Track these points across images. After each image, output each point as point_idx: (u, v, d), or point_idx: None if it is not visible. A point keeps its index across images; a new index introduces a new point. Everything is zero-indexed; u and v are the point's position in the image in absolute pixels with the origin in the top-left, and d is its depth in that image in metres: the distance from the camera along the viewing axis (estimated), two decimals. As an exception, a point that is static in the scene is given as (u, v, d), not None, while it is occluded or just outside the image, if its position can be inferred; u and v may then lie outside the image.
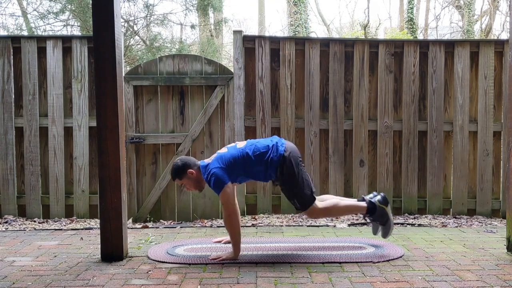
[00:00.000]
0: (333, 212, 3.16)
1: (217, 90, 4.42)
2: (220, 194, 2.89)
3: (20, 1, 10.67)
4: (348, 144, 4.55)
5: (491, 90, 4.52)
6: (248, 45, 4.50)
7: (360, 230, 3.86)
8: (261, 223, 4.19)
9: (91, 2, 3.89)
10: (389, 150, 4.52)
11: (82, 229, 3.95)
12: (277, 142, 2.99)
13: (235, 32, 4.50)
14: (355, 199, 3.28)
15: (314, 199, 3.01)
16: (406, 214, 4.52)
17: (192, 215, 4.47)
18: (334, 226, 4.05)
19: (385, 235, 3.13)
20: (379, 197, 3.11)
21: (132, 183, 4.41)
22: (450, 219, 4.39)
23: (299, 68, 4.53)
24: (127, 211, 3.30)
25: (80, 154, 4.41)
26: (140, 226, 4.18)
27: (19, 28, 10.00)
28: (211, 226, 4.12)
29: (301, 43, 4.53)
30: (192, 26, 10.42)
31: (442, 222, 4.23)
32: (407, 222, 4.17)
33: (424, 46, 4.57)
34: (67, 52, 4.45)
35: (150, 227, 4.07)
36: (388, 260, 2.90)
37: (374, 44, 4.57)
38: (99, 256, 3.01)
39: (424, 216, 4.49)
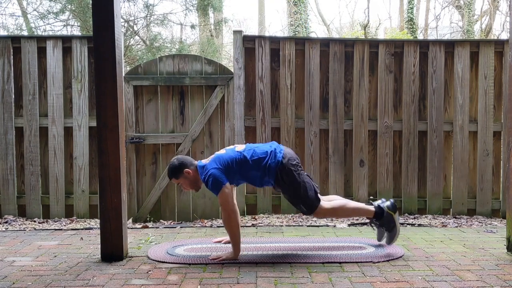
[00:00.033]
0: (340, 213, 3.16)
1: (217, 90, 4.42)
2: (218, 195, 2.88)
3: (20, 1, 10.67)
4: (348, 144, 4.55)
5: (491, 90, 4.52)
6: (248, 45, 4.50)
7: (360, 230, 3.86)
8: (261, 223, 4.19)
9: (91, 2, 3.89)
10: (389, 150, 4.52)
11: (82, 229, 3.96)
12: (275, 149, 2.99)
13: (235, 32, 4.50)
14: (363, 203, 3.28)
15: (319, 199, 3.01)
16: (406, 214, 4.52)
17: (192, 215, 4.48)
18: (334, 226, 4.05)
19: (390, 241, 3.13)
20: (388, 203, 3.12)
21: (132, 183, 4.41)
22: (450, 219, 4.39)
23: (299, 68, 4.53)
24: (127, 211, 3.30)
25: (80, 154, 4.42)
26: (140, 226, 4.18)
27: (19, 28, 10.00)
28: (211, 226, 4.12)
29: (301, 43, 4.53)
30: (192, 26, 10.42)
31: (442, 222, 4.23)
32: (407, 222, 4.17)
33: (424, 46, 4.57)
34: (67, 52, 4.45)
35: (150, 227, 4.07)
36: (388, 260, 2.90)
37: (374, 44, 4.57)
38: (99, 256, 3.01)
39: (424, 216, 4.49)
